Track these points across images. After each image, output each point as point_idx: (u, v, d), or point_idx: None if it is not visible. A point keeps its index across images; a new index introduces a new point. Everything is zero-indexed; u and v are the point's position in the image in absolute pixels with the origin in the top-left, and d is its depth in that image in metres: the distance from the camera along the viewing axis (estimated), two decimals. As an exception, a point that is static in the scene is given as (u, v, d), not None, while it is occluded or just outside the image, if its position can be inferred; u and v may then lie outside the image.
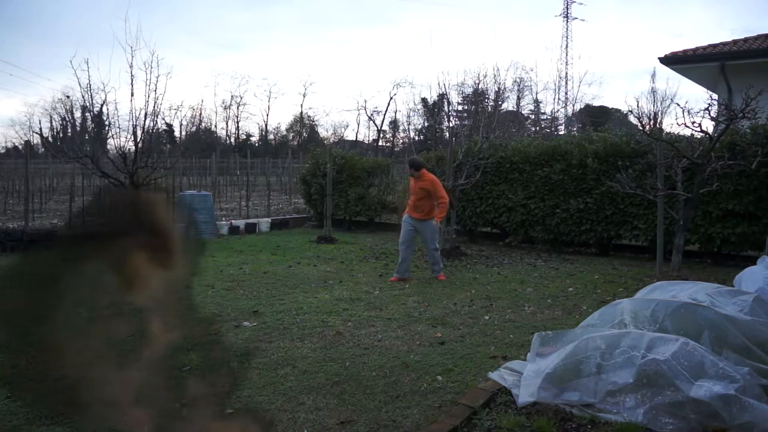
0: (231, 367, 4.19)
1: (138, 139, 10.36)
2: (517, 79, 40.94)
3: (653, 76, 49.72)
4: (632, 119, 11.42)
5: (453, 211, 9.85)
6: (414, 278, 7.64)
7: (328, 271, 8.09)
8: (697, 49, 12.63)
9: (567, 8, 43.14)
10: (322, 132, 55.85)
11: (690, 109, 7.49)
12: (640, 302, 4.07)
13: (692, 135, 8.00)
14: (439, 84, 15.88)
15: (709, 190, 7.63)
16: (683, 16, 64.42)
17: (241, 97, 57.00)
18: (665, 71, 13.17)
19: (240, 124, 58.20)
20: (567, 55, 47.80)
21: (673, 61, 12.68)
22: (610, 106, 39.44)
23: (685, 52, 12.67)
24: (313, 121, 57.31)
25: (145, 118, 10.38)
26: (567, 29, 43.97)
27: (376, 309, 5.94)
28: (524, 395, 3.47)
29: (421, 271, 8.22)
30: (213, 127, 57.76)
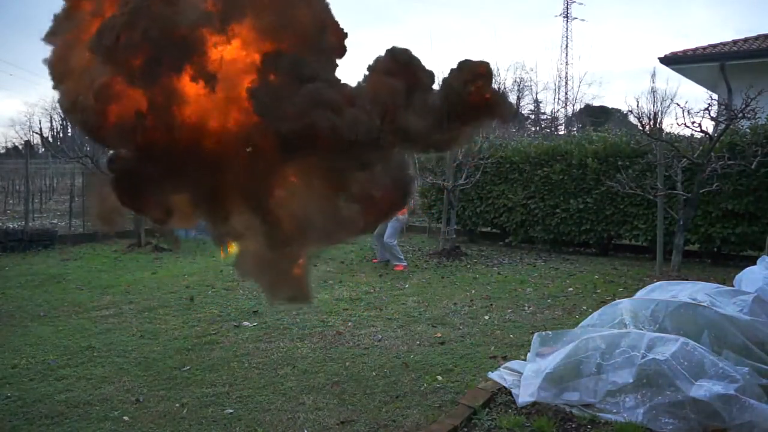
0: (231, 366, 4.20)
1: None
2: (517, 79, 40.91)
3: (653, 76, 49.66)
4: (632, 119, 11.44)
5: (453, 211, 9.86)
6: (414, 278, 7.65)
7: (328, 271, 8.09)
8: (697, 49, 12.63)
9: (567, 8, 43.06)
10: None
11: (690, 109, 7.50)
12: (640, 302, 4.07)
13: (692, 135, 8.01)
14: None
15: (709, 190, 7.64)
16: (686, 16, 64.26)
17: (241, 98, 56.80)
18: (665, 71, 13.19)
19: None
20: (567, 55, 47.72)
21: (673, 61, 12.68)
22: (610, 106, 39.35)
23: (685, 52, 12.67)
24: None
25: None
26: (567, 29, 43.88)
27: (376, 309, 5.94)
28: (524, 395, 3.47)
29: (421, 271, 8.22)
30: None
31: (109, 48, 2.24)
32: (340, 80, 2.59)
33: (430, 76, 2.70)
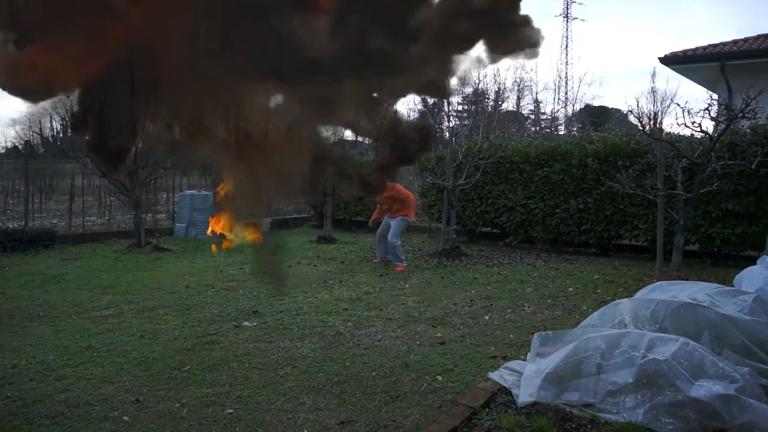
0: (231, 366, 4.20)
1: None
2: (517, 79, 40.89)
3: (653, 76, 49.75)
4: (632, 119, 11.48)
5: (453, 211, 9.86)
6: (414, 278, 7.65)
7: (328, 271, 8.09)
8: (697, 49, 12.63)
9: (567, 8, 43.08)
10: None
11: (690, 109, 7.52)
12: (640, 302, 4.07)
13: (692, 135, 8.01)
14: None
15: (709, 190, 7.64)
16: (687, 16, 64.33)
17: (241, 98, 56.65)
18: (665, 71, 13.24)
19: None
20: (567, 55, 47.88)
21: (673, 61, 12.69)
22: (610, 106, 39.38)
23: (685, 52, 12.67)
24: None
25: (145, 118, 10.39)
26: (567, 29, 43.96)
27: (376, 309, 5.94)
28: (524, 395, 3.47)
29: (421, 271, 8.22)
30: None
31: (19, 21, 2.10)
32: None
33: None
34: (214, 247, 9.17)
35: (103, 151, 2.52)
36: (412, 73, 2.20)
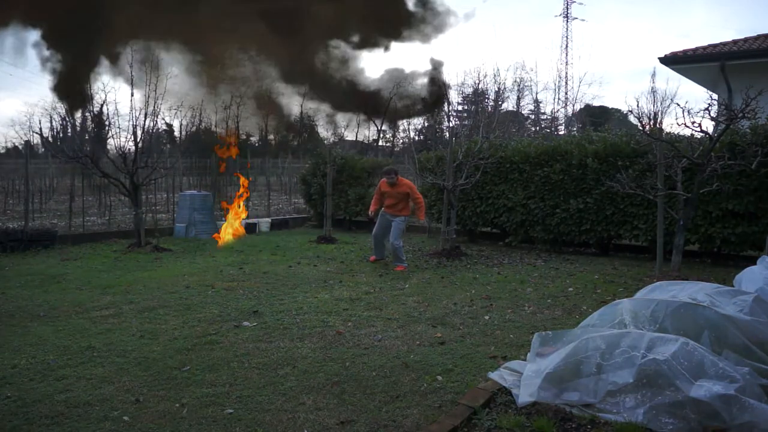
0: (231, 366, 4.20)
1: (138, 139, 10.38)
2: (517, 79, 40.92)
3: (653, 76, 49.82)
4: (632, 119, 11.50)
5: (453, 211, 9.86)
6: (414, 278, 7.65)
7: (328, 271, 8.09)
8: (697, 49, 12.63)
9: (567, 8, 43.14)
10: (322, 132, 55.65)
11: (690, 109, 7.52)
12: (640, 302, 4.07)
13: (692, 135, 8.01)
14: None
15: (709, 190, 7.64)
16: (687, 16, 64.44)
17: (241, 98, 56.77)
18: (665, 71, 13.26)
19: (240, 124, 58.10)
20: (567, 55, 47.92)
21: (673, 61, 12.68)
22: (610, 106, 39.45)
23: (685, 52, 12.67)
24: (313, 121, 57.11)
25: (145, 118, 10.43)
26: (567, 29, 44.04)
27: (376, 309, 5.94)
28: (524, 395, 3.47)
29: (421, 271, 8.22)
30: (213, 127, 57.65)
31: None
32: None
33: None
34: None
35: (65, 88, 2.54)
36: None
